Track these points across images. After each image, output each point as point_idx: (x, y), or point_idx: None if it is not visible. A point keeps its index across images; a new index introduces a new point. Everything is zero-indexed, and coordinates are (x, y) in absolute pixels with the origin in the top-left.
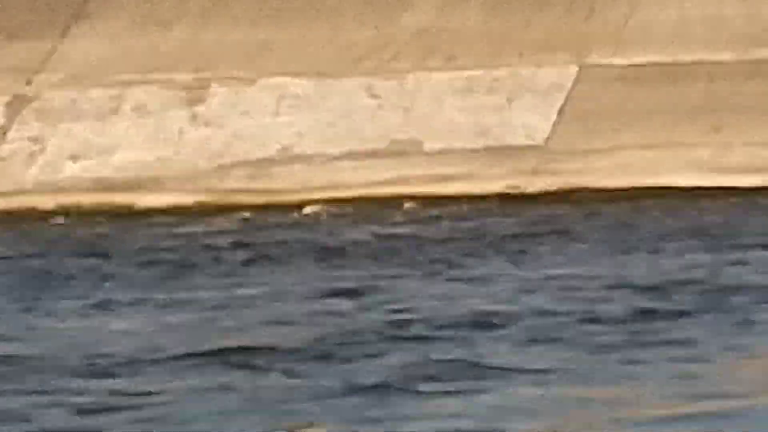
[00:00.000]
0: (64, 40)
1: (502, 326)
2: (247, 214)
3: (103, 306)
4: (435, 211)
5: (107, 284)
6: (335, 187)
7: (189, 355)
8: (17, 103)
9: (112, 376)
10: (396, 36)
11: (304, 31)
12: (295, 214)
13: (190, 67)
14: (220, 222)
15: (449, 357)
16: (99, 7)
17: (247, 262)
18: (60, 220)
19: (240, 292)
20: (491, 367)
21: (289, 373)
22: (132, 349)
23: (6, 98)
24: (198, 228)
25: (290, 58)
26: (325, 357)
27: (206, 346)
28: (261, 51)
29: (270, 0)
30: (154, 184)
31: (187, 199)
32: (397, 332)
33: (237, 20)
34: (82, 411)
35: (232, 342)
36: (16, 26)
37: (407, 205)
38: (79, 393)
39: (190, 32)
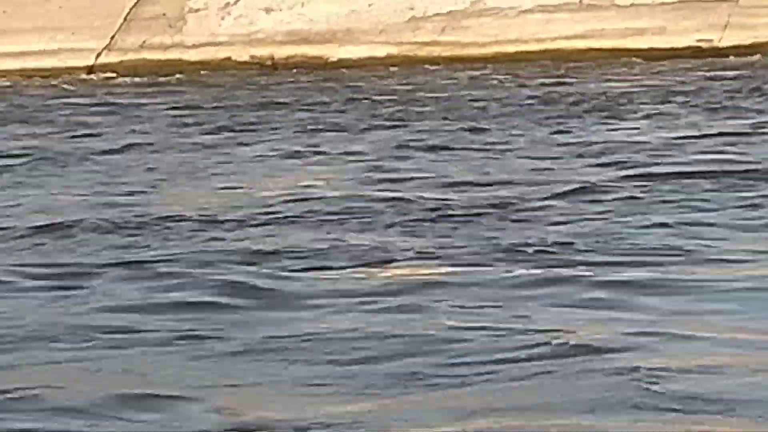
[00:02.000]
0: None
1: None
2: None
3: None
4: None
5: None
6: (526, 40)
7: None
8: None
9: None
10: None
11: None
12: (486, 66)
13: None
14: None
15: None
16: None
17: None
18: (254, 70)
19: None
20: None
21: None
22: None
23: None
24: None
25: None
26: None
27: None
28: None
29: None
30: (347, 36)
31: (379, 52)
32: None
33: None
34: None
35: None
36: None
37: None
38: None
39: None
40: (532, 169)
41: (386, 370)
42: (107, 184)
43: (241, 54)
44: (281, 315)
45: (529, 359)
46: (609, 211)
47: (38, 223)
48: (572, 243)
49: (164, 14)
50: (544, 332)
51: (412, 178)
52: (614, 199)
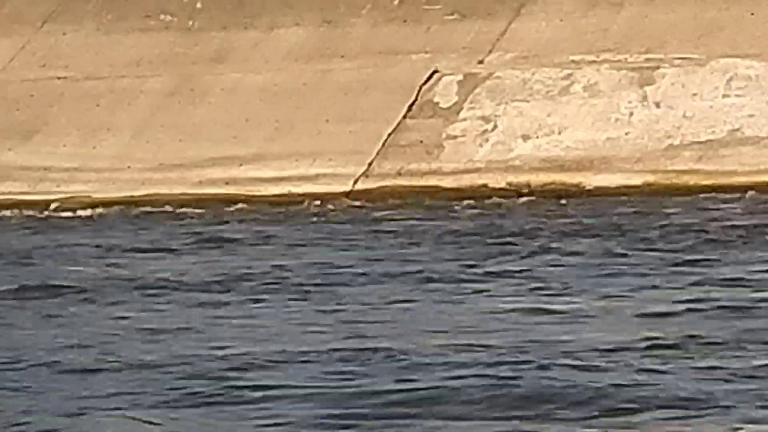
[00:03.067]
0: (516, 19)
1: None
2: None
3: None
4: None
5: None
6: None
7: None
8: (469, 82)
9: None
10: None
11: (753, 10)
12: (745, 196)
13: (640, 47)
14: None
15: None
16: None
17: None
18: (514, 198)
19: None
20: None
21: None
22: None
23: (458, 77)
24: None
25: (740, 39)
26: None
27: None
28: (710, 31)
29: None
30: (603, 163)
31: (635, 180)
32: None
33: (685, 0)
34: None
35: None
36: (469, 6)
37: None
38: None
39: (639, 12)
40: None
41: None
42: None
43: (498, 181)
44: None
45: None
46: None
47: None
48: None
49: (421, 141)
50: None
51: None
52: None
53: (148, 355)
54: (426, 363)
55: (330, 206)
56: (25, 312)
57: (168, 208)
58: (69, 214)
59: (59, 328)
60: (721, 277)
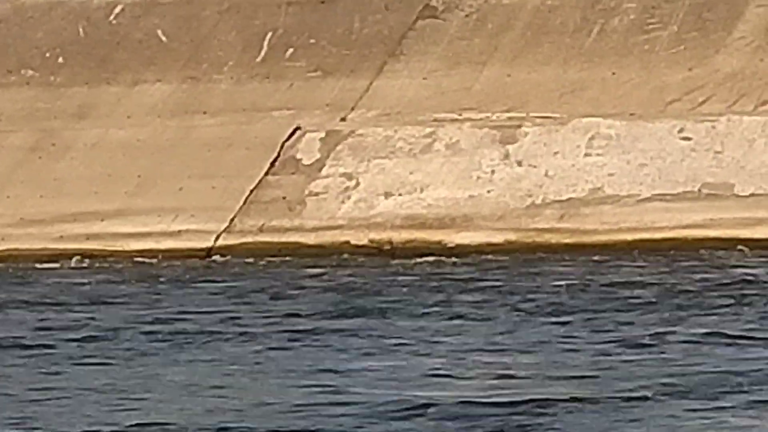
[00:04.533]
0: (379, 77)
1: None
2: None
3: None
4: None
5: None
6: (645, 228)
7: None
8: (332, 139)
9: None
10: (708, 78)
11: (616, 71)
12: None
13: (502, 106)
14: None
15: None
16: (413, 46)
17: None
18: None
19: None
20: None
21: None
22: None
23: (321, 134)
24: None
25: (602, 99)
26: None
27: None
28: (573, 91)
29: (581, 39)
30: (465, 221)
31: (497, 238)
32: None
33: (548, 60)
34: None
35: None
36: (331, 63)
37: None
38: None
39: (502, 71)
40: None
41: None
42: None
43: (360, 238)
44: None
45: None
46: None
47: None
48: None
49: (284, 197)
50: None
51: None
52: None
53: None
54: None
55: (189, 262)
56: None
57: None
58: None
59: None
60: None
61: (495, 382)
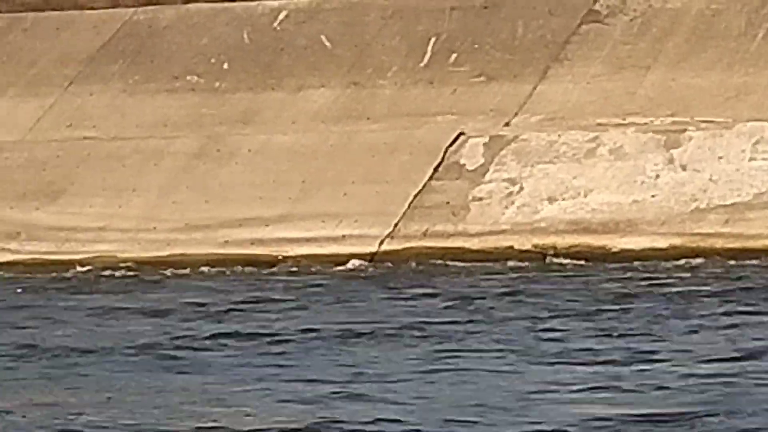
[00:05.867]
0: (543, 82)
1: None
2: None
3: None
4: None
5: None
6: None
7: None
8: (495, 144)
9: None
10: None
11: None
12: None
13: (666, 111)
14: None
15: None
16: (577, 50)
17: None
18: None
19: None
20: None
21: None
22: None
23: (484, 139)
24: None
25: (766, 104)
26: None
27: None
28: (737, 95)
29: (746, 44)
30: (629, 226)
31: (661, 243)
32: None
33: (713, 64)
34: None
35: None
36: (494, 69)
37: None
38: None
39: (666, 75)
40: None
41: None
42: None
43: (523, 243)
44: None
45: None
46: None
47: None
48: None
49: (447, 202)
50: None
51: None
52: None
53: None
54: None
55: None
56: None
57: (193, 268)
58: (94, 274)
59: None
60: None
61: None
